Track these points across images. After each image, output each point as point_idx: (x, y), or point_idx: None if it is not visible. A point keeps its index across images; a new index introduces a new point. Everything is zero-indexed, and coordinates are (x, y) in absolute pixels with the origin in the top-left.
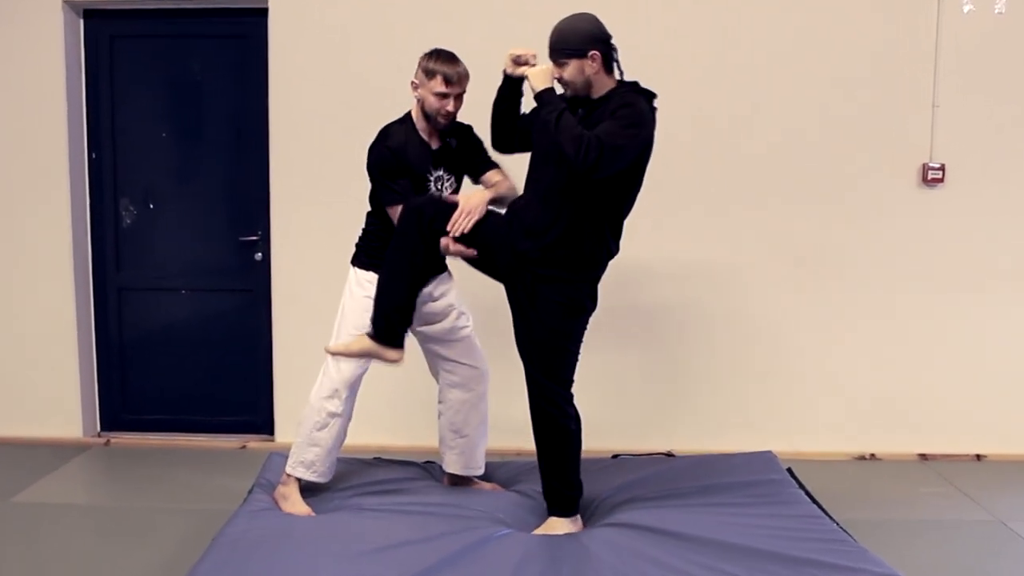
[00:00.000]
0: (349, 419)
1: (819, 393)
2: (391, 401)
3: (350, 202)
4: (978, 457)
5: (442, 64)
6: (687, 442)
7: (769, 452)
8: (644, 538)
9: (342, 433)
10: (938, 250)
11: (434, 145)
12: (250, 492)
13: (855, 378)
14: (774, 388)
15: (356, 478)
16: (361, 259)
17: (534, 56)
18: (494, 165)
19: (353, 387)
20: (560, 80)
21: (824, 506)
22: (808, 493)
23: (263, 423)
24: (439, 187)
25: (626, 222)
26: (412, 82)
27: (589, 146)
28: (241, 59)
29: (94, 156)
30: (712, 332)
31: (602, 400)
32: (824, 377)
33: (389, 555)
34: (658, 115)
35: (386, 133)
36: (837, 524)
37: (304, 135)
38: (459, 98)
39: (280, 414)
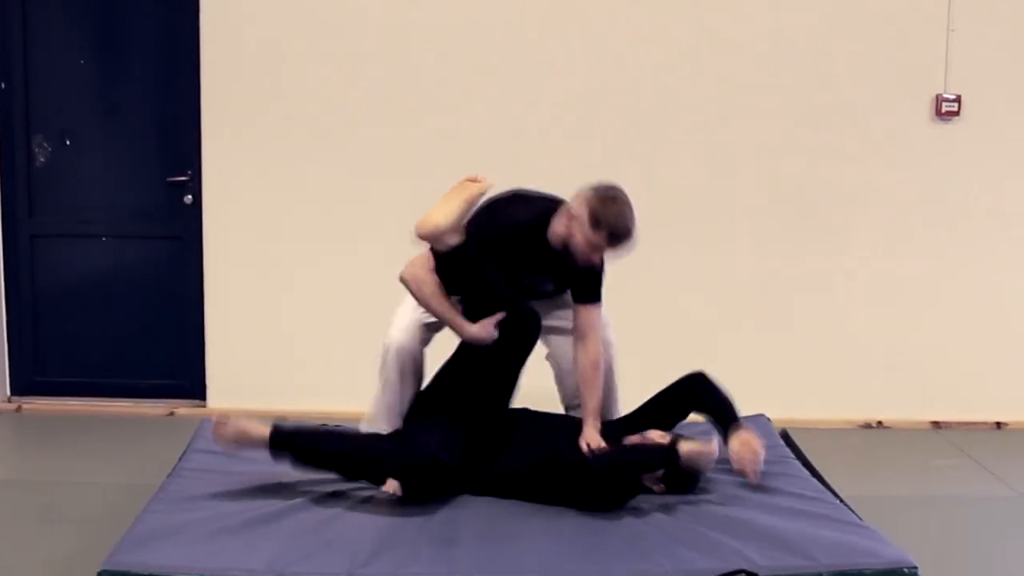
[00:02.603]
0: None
1: (820, 353)
2: (344, 367)
3: (290, 139)
4: (998, 425)
5: (619, 224)
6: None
7: (762, 416)
8: (628, 511)
9: None
10: (954, 191)
11: (549, 248)
12: (178, 464)
13: (861, 337)
14: (770, 347)
15: None
16: None
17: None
18: (596, 300)
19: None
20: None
21: (825, 478)
22: (807, 464)
23: (193, 387)
24: (531, 286)
25: (612, 161)
26: (569, 211)
27: None
28: None
29: (2, 87)
30: (703, 284)
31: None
32: (826, 335)
33: (333, 531)
34: (651, 54)
35: (522, 218)
36: (840, 500)
37: (240, 64)
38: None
39: (213, 377)
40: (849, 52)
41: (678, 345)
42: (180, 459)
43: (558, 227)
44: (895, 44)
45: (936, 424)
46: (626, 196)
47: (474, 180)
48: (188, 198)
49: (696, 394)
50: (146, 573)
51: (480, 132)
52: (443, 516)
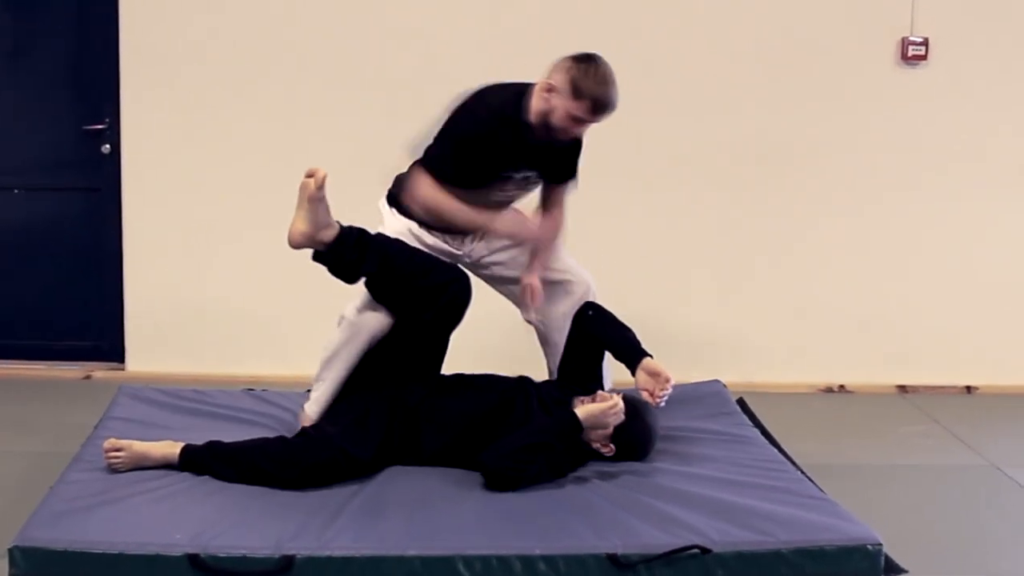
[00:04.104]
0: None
1: (777, 312)
2: (269, 329)
3: (216, 83)
4: (968, 389)
5: (600, 90)
6: (619, 372)
7: (717, 381)
8: (576, 482)
9: None
10: (920, 140)
11: (532, 140)
12: (95, 431)
13: (821, 295)
14: (726, 307)
15: (225, 411)
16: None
17: None
18: (571, 176)
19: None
20: None
21: (784, 448)
22: (765, 431)
23: (111, 349)
24: (520, 188)
25: None
26: (546, 83)
27: None
28: None
29: None
30: (655, 238)
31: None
32: (784, 293)
33: (260, 503)
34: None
35: (496, 109)
36: (800, 470)
37: (160, 2)
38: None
39: (132, 338)
40: None
41: (629, 303)
42: (97, 426)
43: (536, 103)
44: None
45: (902, 388)
46: (607, 63)
47: (310, 175)
48: (106, 147)
49: (591, 334)
50: (61, 549)
51: (414, 83)
52: (373, 486)
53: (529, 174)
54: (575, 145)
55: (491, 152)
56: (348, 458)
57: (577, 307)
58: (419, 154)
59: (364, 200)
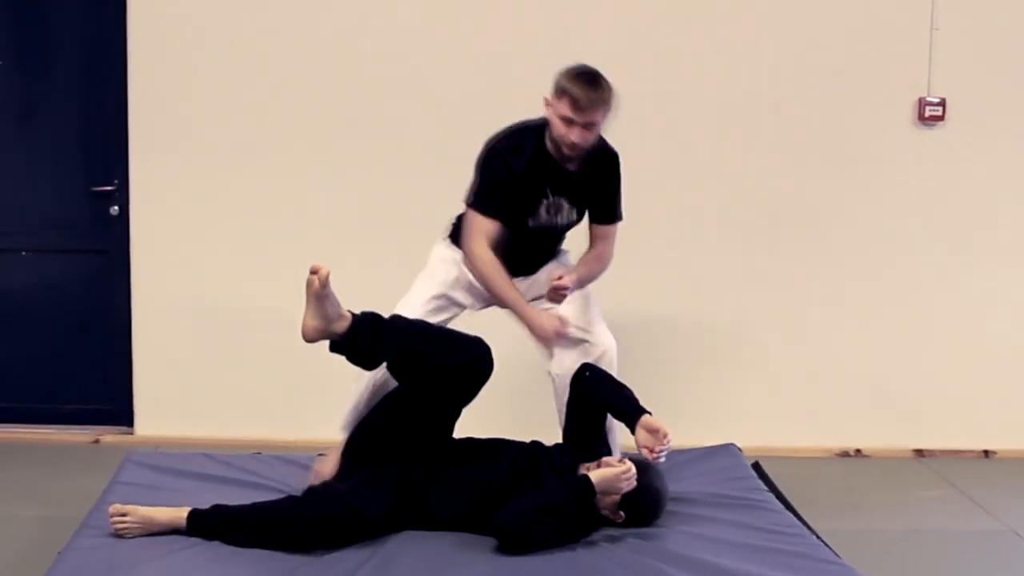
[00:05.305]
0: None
1: (794, 376)
2: (279, 392)
3: (224, 145)
4: (985, 454)
5: (575, 84)
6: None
7: (732, 445)
8: (587, 546)
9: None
10: (937, 202)
11: (570, 167)
12: (103, 496)
13: (838, 358)
14: (739, 369)
15: (234, 475)
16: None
17: None
18: (615, 219)
19: None
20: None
21: (800, 513)
22: (780, 496)
23: (120, 412)
24: (551, 214)
25: None
26: (545, 98)
27: None
28: None
29: None
30: (666, 303)
31: (542, 385)
32: (800, 356)
33: (266, 565)
34: (601, 53)
35: (512, 144)
36: (816, 535)
37: (169, 65)
38: (589, 128)
39: (141, 402)
40: (826, 54)
41: (644, 366)
42: (105, 491)
43: (549, 125)
44: (875, 44)
45: (919, 452)
46: (594, 68)
47: (314, 272)
48: (114, 209)
49: (588, 395)
50: None
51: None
52: (383, 552)
53: (560, 200)
54: (610, 179)
55: (525, 182)
56: (356, 515)
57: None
58: (469, 199)
59: (372, 253)
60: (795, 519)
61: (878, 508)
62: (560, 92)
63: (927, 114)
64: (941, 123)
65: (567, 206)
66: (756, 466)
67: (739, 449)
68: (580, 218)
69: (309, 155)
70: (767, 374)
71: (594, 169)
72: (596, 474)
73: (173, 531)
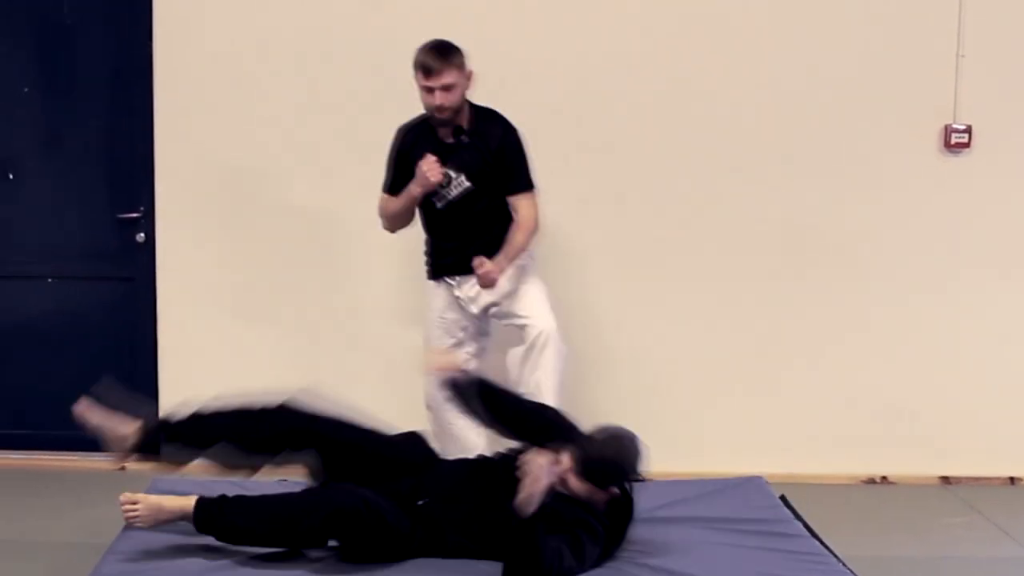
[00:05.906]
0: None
1: (819, 403)
2: None
3: (250, 173)
4: (1011, 480)
5: (423, 54)
6: (660, 463)
7: (759, 478)
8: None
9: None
10: (962, 228)
11: (447, 140)
12: (127, 523)
13: (863, 385)
14: (765, 396)
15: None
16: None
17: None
18: (525, 188)
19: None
20: None
21: (826, 541)
22: (806, 525)
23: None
24: (445, 185)
25: (587, 197)
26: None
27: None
28: None
29: None
30: (691, 329)
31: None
32: (826, 383)
33: None
34: (626, 81)
35: (406, 127)
36: (842, 563)
37: (195, 92)
38: (447, 90)
39: None
40: (851, 81)
41: (671, 394)
42: None
43: None
44: (902, 71)
45: (945, 479)
46: (440, 39)
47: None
48: (140, 236)
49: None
50: None
51: None
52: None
53: (448, 170)
54: (509, 149)
55: (414, 156)
56: (370, 510)
57: (533, 350)
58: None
59: (406, 267)
60: (821, 545)
61: (904, 535)
62: (415, 67)
63: (953, 141)
64: (967, 150)
65: (455, 176)
66: (783, 499)
67: (766, 482)
68: (476, 187)
69: (337, 179)
70: (792, 400)
71: (489, 139)
72: (521, 497)
73: (182, 518)
